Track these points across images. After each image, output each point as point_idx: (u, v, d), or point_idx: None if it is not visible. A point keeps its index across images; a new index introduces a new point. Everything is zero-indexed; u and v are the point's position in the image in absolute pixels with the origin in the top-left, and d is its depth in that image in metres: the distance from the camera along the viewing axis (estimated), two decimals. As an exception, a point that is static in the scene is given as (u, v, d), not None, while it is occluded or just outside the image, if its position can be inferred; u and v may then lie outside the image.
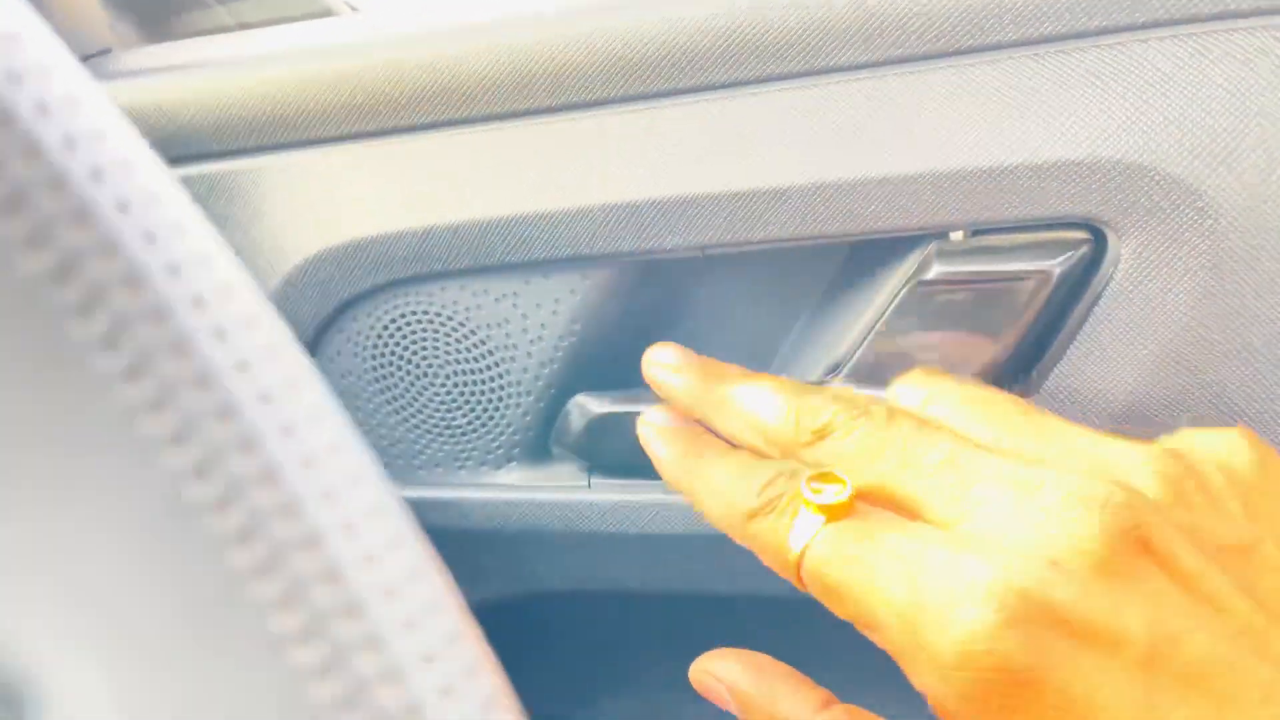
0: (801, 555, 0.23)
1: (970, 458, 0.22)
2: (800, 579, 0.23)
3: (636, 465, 0.35)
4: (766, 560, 0.24)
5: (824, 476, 0.23)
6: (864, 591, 0.21)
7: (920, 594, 0.20)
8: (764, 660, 0.26)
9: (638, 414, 0.33)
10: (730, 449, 0.27)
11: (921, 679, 0.20)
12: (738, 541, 0.25)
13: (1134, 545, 0.19)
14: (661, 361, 0.28)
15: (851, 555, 0.22)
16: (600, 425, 0.34)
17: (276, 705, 0.10)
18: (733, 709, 0.27)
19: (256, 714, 0.10)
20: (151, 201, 0.10)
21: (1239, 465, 0.22)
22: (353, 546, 0.10)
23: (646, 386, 0.30)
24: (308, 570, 0.10)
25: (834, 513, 0.22)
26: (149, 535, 0.09)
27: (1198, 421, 0.28)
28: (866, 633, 0.22)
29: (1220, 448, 0.22)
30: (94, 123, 0.11)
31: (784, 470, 0.24)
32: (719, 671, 0.26)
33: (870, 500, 0.23)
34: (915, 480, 0.22)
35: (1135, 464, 0.21)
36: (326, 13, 0.50)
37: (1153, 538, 0.19)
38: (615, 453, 0.35)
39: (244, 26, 0.49)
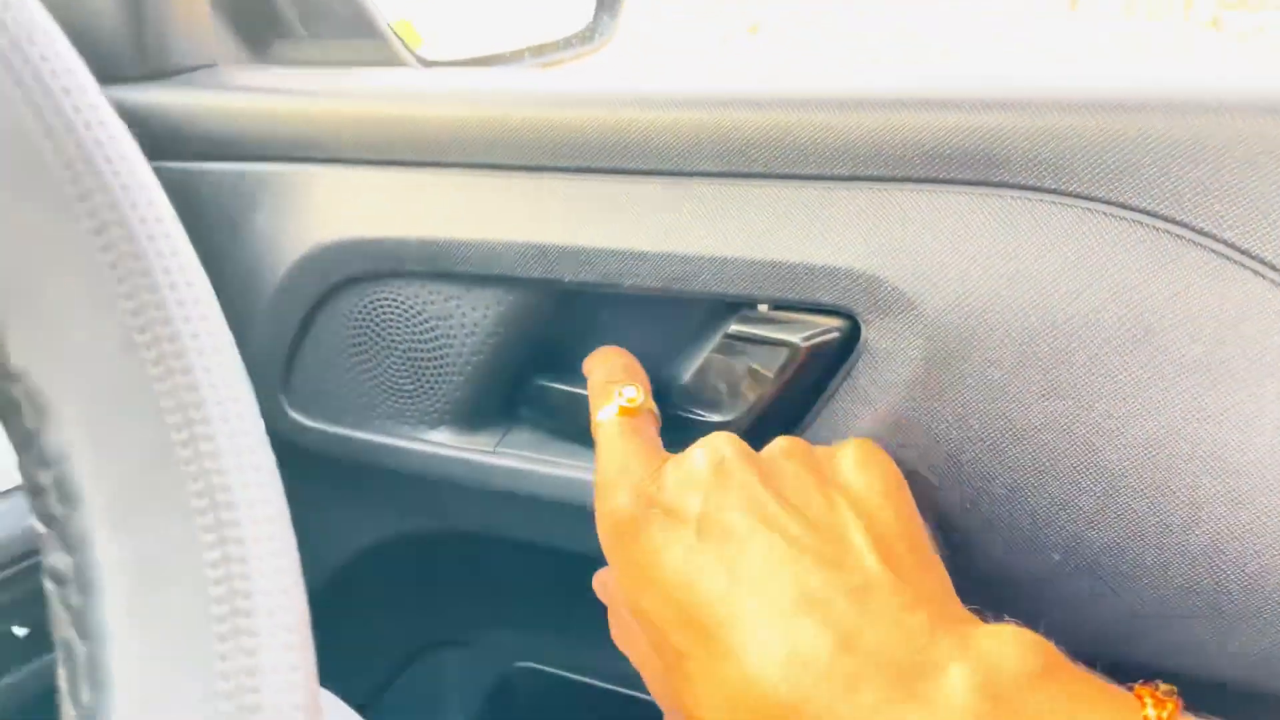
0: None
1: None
2: None
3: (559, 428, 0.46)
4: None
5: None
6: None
7: (603, 483, 0.36)
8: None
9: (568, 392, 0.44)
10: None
11: (598, 526, 0.36)
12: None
13: (714, 471, 0.33)
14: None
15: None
16: (539, 393, 0.46)
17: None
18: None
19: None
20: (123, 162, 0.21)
21: (838, 454, 0.36)
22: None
23: (559, 375, 0.44)
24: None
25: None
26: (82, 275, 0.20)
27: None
28: None
29: (835, 448, 0.36)
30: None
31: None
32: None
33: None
34: None
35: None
36: (396, 61, 0.63)
37: (725, 466, 0.33)
38: (547, 418, 0.47)
39: (327, 63, 0.62)
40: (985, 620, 0.31)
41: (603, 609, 0.40)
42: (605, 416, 0.38)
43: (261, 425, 0.20)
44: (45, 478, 0.18)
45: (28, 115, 0.19)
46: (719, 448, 0.34)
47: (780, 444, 0.36)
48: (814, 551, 0.31)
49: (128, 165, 0.20)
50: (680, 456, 0.35)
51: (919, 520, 0.35)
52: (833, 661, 0.28)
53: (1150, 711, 0.29)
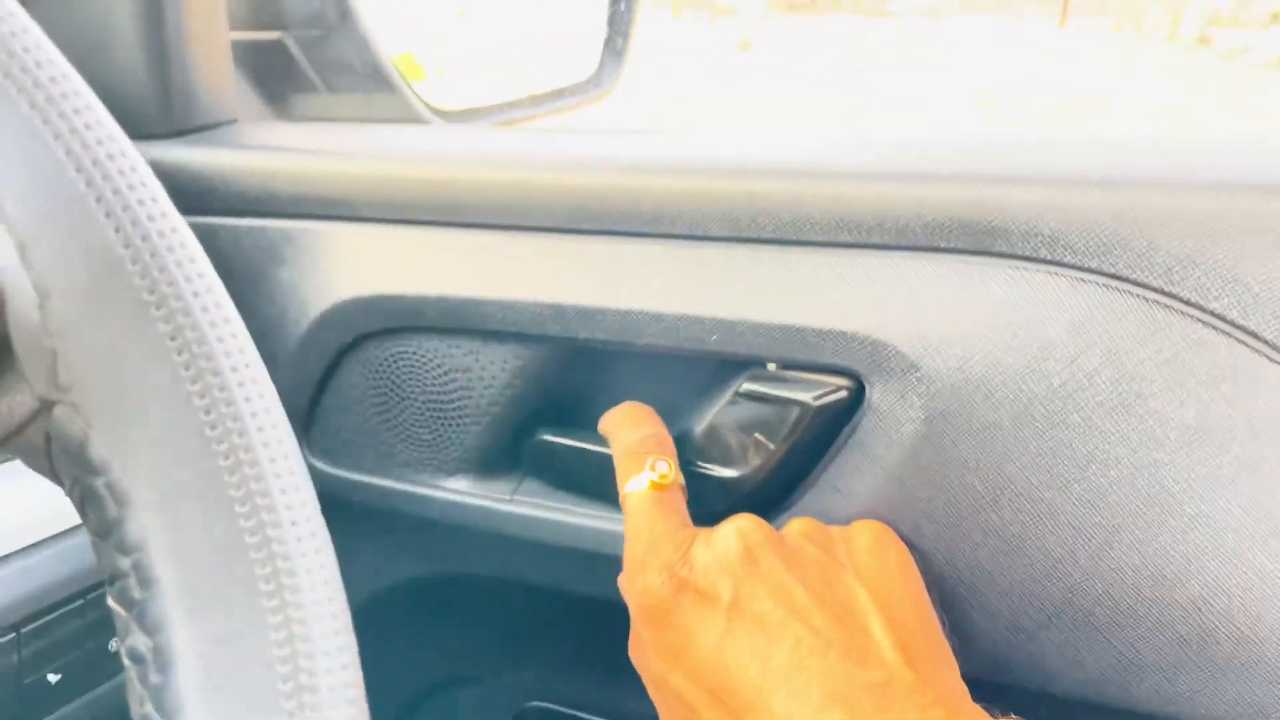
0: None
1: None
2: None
3: (566, 481, 0.47)
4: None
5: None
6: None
7: (633, 558, 0.37)
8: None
9: (574, 447, 0.46)
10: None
11: (627, 600, 0.38)
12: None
13: (743, 557, 0.35)
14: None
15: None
16: (544, 448, 0.47)
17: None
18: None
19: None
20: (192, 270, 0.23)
21: (854, 538, 0.37)
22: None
23: (572, 429, 0.45)
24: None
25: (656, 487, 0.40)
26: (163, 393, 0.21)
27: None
28: None
29: (850, 531, 0.38)
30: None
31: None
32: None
33: None
34: None
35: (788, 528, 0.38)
36: (412, 114, 0.65)
37: (753, 552, 0.35)
38: (553, 471, 0.48)
39: (345, 117, 0.64)
40: (994, 716, 0.33)
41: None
42: (635, 489, 0.39)
43: (319, 510, 0.21)
44: (125, 564, 0.20)
45: (108, 229, 0.21)
46: (746, 531, 0.36)
47: (799, 526, 0.38)
48: (839, 646, 0.33)
49: (196, 268, 0.22)
50: (709, 536, 0.37)
51: (930, 605, 0.37)
52: None
53: None
